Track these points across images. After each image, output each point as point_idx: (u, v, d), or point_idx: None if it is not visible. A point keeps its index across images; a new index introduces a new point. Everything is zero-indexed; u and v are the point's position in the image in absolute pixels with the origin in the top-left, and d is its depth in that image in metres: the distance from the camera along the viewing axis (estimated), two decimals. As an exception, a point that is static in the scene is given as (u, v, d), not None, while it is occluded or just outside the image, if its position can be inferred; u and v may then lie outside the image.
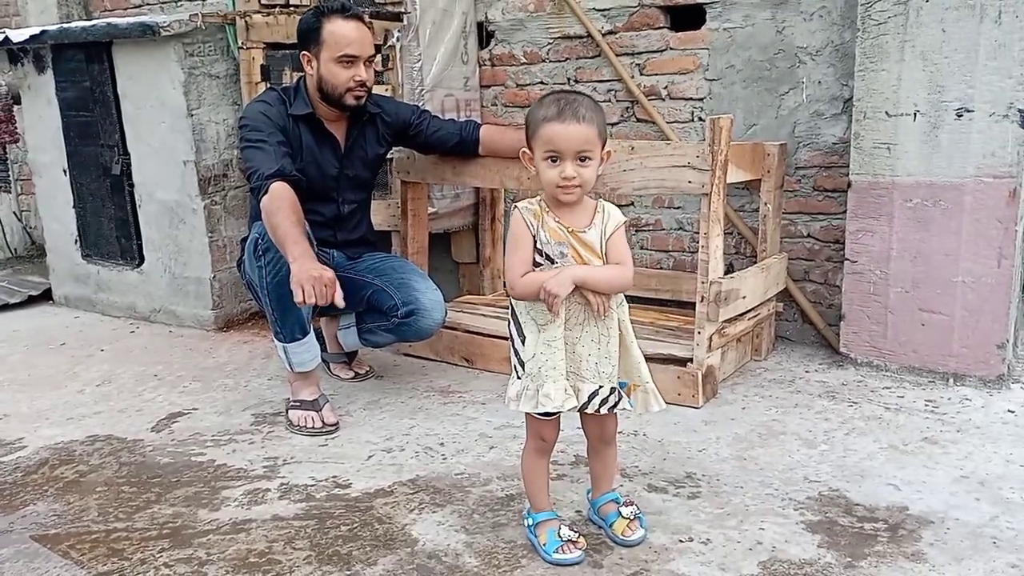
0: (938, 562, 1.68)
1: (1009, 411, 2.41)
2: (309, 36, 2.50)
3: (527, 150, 1.68)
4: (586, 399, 1.69)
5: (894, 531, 1.80)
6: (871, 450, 2.20)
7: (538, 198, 1.72)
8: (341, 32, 2.47)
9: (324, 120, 2.59)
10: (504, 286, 3.46)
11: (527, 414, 1.73)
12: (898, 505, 1.91)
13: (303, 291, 2.13)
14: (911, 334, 2.68)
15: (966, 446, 2.20)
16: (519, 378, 1.70)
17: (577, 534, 1.74)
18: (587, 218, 1.70)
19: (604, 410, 1.71)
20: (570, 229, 1.67)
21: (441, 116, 3.00)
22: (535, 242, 1.67)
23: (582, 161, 1.62)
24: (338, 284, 2.18)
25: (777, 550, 1.74)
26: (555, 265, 1.66)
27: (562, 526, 1.74)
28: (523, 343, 1.69)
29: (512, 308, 1.73)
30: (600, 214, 1.70)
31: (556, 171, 1.62)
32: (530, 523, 1.78)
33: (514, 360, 1.72)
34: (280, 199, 2.29)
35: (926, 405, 2.48)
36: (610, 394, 1.70)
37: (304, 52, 2.52)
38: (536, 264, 1.67)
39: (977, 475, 2.04)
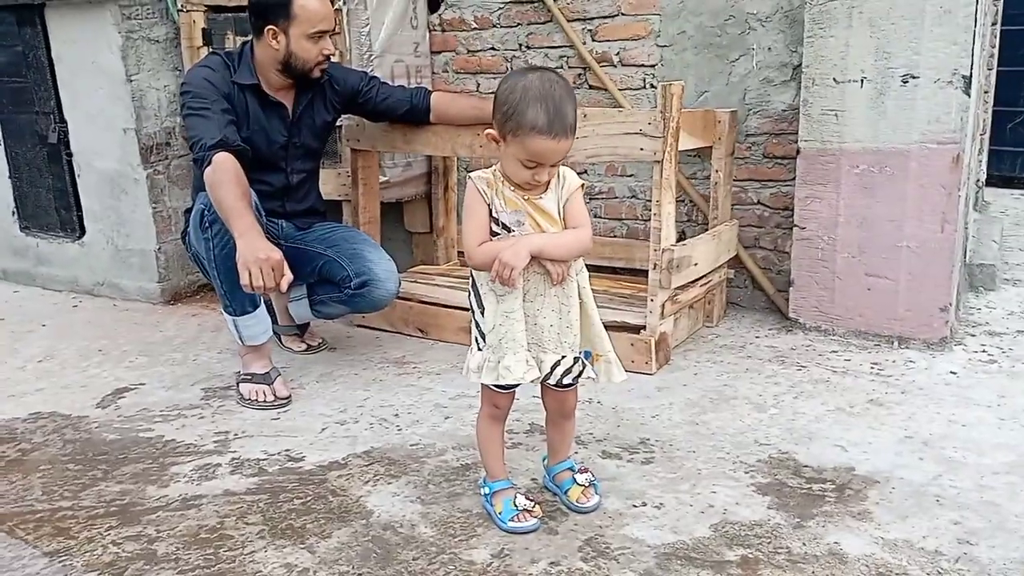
0: (884, 520, 1.73)
1: (951, 373, 2.48)
2: (277, 11, 2.40)
3: (493, 132, 1.61)
4: (548, 370, 1.68)
5: (841, 491, 1.85)
6: (819, 413, 2.25)
7: (492, 168, 1.68)
8: (313, 7, 2.39)
9: (270, 90, 2.52)
10: (459, 256, 3.44)
11: (482, 383, 1.72)
12: (845, 466, 1.96)
13: (250, 274, 2.08)
14: (857, 299, 2.73)
15: (910, 407, 2.26)
16: (480, 349, 1.68)
17: (533, 503, 1.74)
18: (536, 186, 1.67)
19: (568, 380, 1.70)
20: (526, 197, 1.65)
21: (391, 83, 2.95)
22: (491, 211, 1.64)
23: (553, 164, 1.61)
24: (286, 266, 2.14)
25: (728, 512, 1.77)
26: (512, 234, 1.64)
27: (518, 495, 1.74)
28: (483, 314, 1.67)
29: (472, 278, 1.71)
30: (555, 179, 1.67)
31: (529, 173, 1.59)
32: (486, 492, 1.77)
33: (474, 331, 1.70)
34: (224, 171, 2.23)
35: (872, 368, 2.54)
36: (573, 364, 1.70)
37: (270, 27, 2.41)
38: (493, 234, 1.65)
39: (921, 435, 2.10)
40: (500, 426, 1.79)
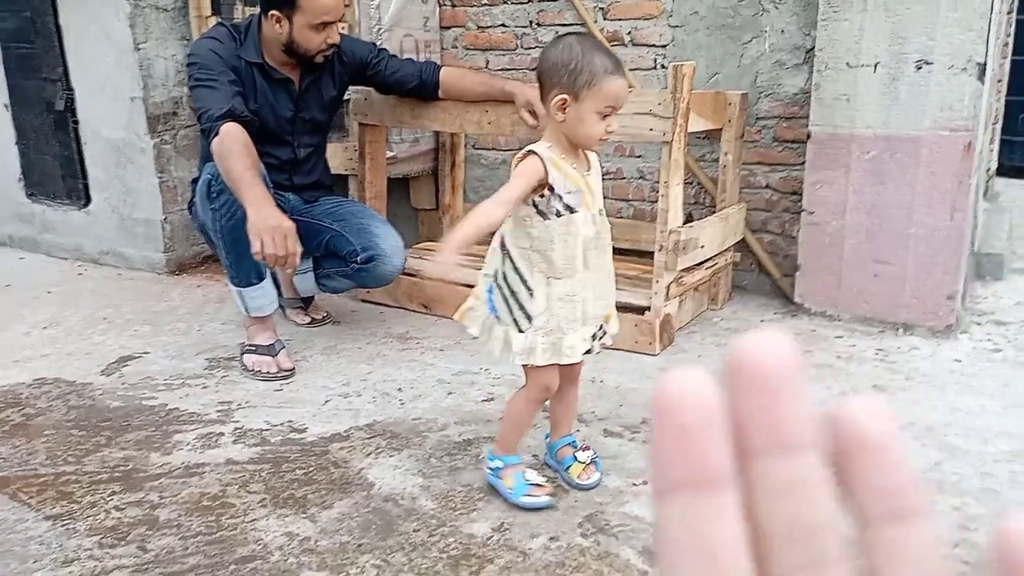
0: (883, 504, 1.73)
1: (956, 360, 2.48)
2: None
3: (563, 97, 1.56)
4: (587, 346, 1.68)
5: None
6: (822, 397, 2.25)
7: (544, 144, 1.62)
8: (320, 1, 2.36)
9: (276, 65, 2.51)
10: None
11: (531, 366, 1.68)
12: (846, 450, 1.96)
13: (261, 242, 2.08)
14: (864, 285, 2.72)
15: (914, 394, 2.26)
16: (521, 331, 1.65)
17: (544, 478, 1.74)
18: (584, 162, 1.68)
19: (596, 347, 1.71)
20: (583, 174, 1.65)
21: (400, 56, 2.93)
22: (551, 189, 1.60)
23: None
24: (297, 241, 2.13)
25: (729, 493, 1.78)
26: (572, 214, 1.61)
27: (527, 470, 1.74)
28: (532, 296, 1.63)
29: (511, 260, 1.66)
30: (591, 157, 1.69)
31: (603, 125, 1.57)
32: (498, 465, 1.74)
33: (516, 313, 1.65)
34: (232, 141, 2.22)
35: (876, 354, 2.53)
36: (599, 329, 1.71)
37: (274, 12, 2.38)
38: (558, 214, 1.61)
39: (924, 422, 2.10)
40: (539, 409, 1.78)
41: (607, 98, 1.55)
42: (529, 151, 1.61)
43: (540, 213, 1.62)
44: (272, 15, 2.39)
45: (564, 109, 1.58)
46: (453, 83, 2.71)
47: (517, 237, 1.65)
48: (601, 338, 1.72)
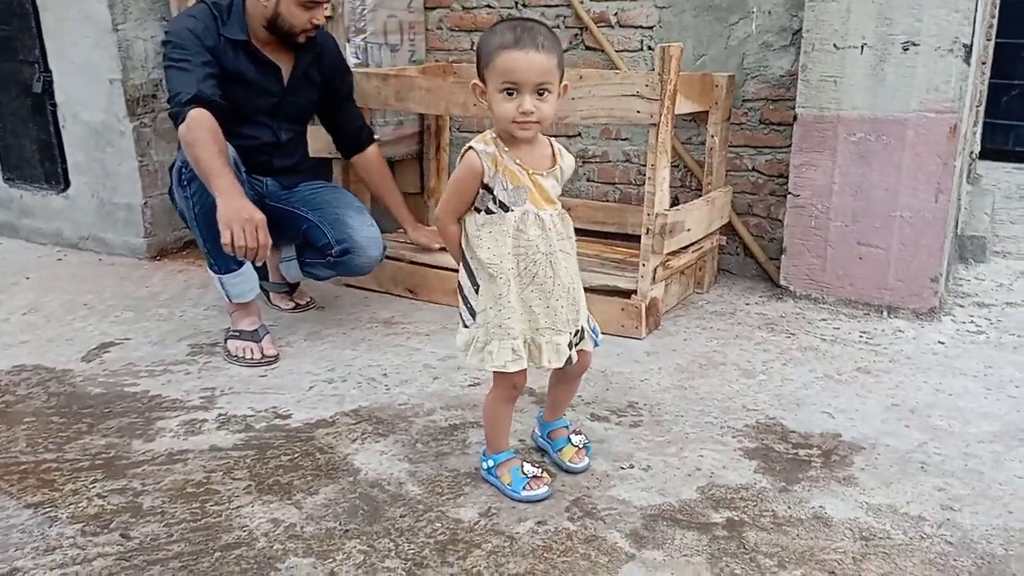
0: (868, 486, 1.74)
1: (939, 343, 2.49)
2: None
3: (478, 82, 1.56)
4: (567, 352, 1.64)
5: (827, 457, 1.86)
6: (807, 379, 2.25)
7: (491, 135, 1.58)
8: None
9: (262, 47, 2.46)
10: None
11: None
12: (831, 432, 1.97)
13: (231, 233, 2.05)
14: (849, 267, 2.73)
15: (897, 376, 2.27)
16: (466, 327, 1.64)
17: (540, 469, 1.72)
18: (546, 160, 1.62)
19: (574, 353, 1.66)
20: (530, 172, 1.59)
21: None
22: (489, 189, 1.57)
23: (540, 95, 1.51)
24: (267, 232, 2.11)
25: (715, 476, 1.78)
26: (509, 213, 1.58)
27: (524, 463, 1.71)
28: (476, 292, 1.62)
29: (464, 253, 1.65)
30: (559, 158, 1.63)
31: (513, 104, 1.50)
32: (490, 465, 1.72)
33: (462, 306, 1.65)
34: (199, 128, 2.18)
35: (861, 336, 2.54)
36: (576, 334, 1.67)
37: None
38: (488, 212, 1.58)
39: (907, 403, 2.11)
40: (513, 405, 1.74)
41: (501, 73, 1.48)
42: (469, 147, 1.57)
43: (475, 208, 1.60)
44: None
45: (483, 96, 1.55)
46: (367, 165, 2.79)
47: (466, 230, 1.64)
48: (578, 344, 1.68)
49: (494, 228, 1.58)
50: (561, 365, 1.64)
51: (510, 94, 1.51)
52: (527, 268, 1.60)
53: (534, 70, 1.49)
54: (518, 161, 1.58)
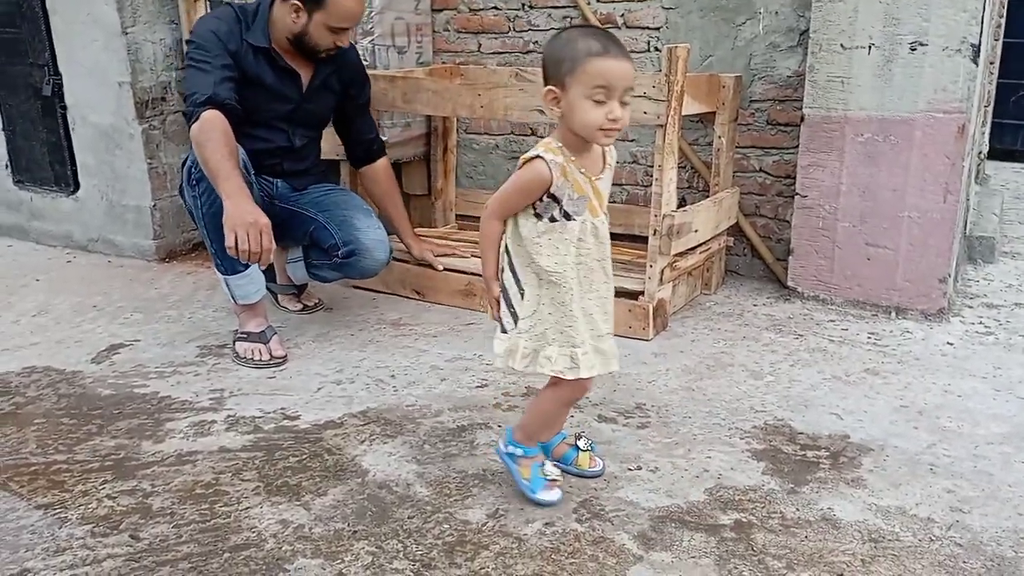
0: (877, 487, 1.73)
1: (948, 343, 2.48)
2: None
3: (552, 90, 1.53)
4: (617, 355, 1.65)
5: (835, 458, 1.85)
6: (815, 381, 2.25)
7: (556, 144, 1.55)
8: (347, 5, 2.33)
9: (283, 53, 2.46)
10: (457, 219, 3.41)
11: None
12: (840, 434, 1.96)
13: (236, 237, 2.06)
14: (857, 268, 2.72)
15: (906, 377, 2.26)
16: (504, 331, 1.63)
17: (558, 472, 1.72)
18: (599, 161, 1.61)
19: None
20: (592, 178, 1.58)
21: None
22: (556, 199, 1.55)
23: (622, 104, 1.51)
24: (272, 236, 2.12)
25: (723, 477, 1.78)
26: (572, 222, 1.56)
27: (546, 463, 1.71)
28: (522, 297, 1.60)
29: (508, 255, 1.63)
30: (608, 156, 1.62)
31: (602, 112, 1.47)
32: (518, 452, 1.70)
33: (505, 311, 1.63)
34: (211, 129, 2.19)
35: (869, 337, 2.54)
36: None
37: (295, 2, 2.33)
38: (552, 220, 1.56)
39: (916, 405, 2.10)
40: (571, 408, 1.75)
41: (593, 78, 1.46)
42: (536, 155, 1.54)
43: (536, 214, 1.58)
44: (292, 3, 2.33)
45: (556, 102, 1.53)
46: (375, 177, 2.78)
47: (513, 234, 1.62)
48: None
49: (555, 236, 1.57)
50: (618, 368, 1.65)
51: (598, 101, 1.49)
52: (586, 276, 1.61)
53: (626, 76, 1.49)
54: (583, 170, 1.57)
